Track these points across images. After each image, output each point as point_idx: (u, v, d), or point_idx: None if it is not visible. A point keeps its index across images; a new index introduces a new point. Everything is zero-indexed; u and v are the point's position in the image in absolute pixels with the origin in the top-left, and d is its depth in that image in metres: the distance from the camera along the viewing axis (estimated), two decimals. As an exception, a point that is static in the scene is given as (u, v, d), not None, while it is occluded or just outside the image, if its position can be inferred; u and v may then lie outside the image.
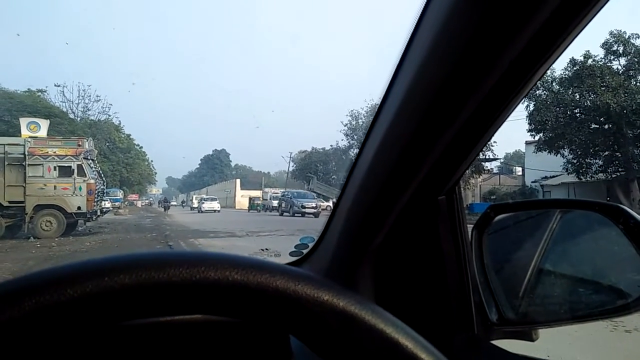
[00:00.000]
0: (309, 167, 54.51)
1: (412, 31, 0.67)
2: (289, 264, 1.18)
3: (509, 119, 0.76)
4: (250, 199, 48.44)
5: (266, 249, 9.88)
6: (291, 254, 1.48)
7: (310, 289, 0.42)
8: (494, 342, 0.93)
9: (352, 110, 52.52)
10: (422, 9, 0.64)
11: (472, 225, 0.96)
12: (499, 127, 0.75)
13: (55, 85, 41.19)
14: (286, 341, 0.72)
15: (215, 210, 38.82)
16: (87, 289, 0.37)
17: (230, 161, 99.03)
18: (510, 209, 1.00)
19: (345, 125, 51.57)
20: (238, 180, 67.15)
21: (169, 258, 0.41)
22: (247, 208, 47.73)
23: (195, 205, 46.70)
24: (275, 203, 41.12)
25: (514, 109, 0.72)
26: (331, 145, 55.01)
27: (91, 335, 0.60)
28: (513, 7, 0.52)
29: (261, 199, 46.03)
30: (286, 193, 33.43)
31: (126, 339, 0.62)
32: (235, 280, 0.40)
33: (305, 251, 1.20)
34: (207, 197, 48.88)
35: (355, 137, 47.99)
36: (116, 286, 0.38)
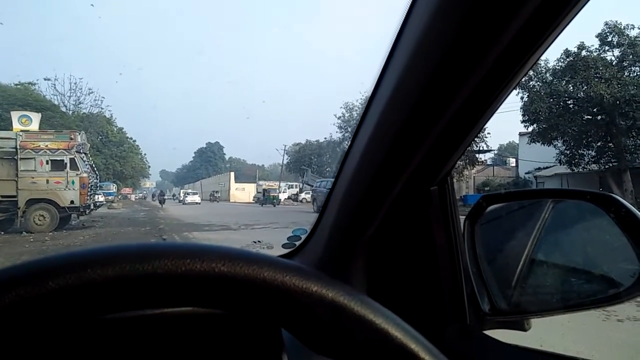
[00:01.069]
0: (303, 159, 54.46)
1: (402, 20, 0.67)
2: (281, 256, 1.18)
3: (502, 110, 0.75)
4: (264, 190, 42.39)
5: (258, 242, 9.86)
6: (284, 246, 1.48)
7: (298, 280, 0.41)
8: (487, 332, 0.93)
9: (346, 103, 52.53)
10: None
11: (465, 217, 0.96)
12: (491, 116, 0.75)
13: (45, 79, 40.78)
14: (277, 333, 0.72)
15: (196, 203, 44.08)
16: (69, 281, 0.37)
17: (224, 154, 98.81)
18: (502, 199, 1.00)
19: (339, 118, 51.54)
20: (232, 173, 67.06)
21: (154, 250, 0.40)
22: (252, 200, 44.97)
23: (181, 198, 48.96)
24: (270, 196, 40.97)
25: (506, 98, 0.71)
26: (325, 138, 54.99)
27: (77, 328, 0.59)
28: None
29: (279, 191, 42.01)
30: (322, 182, 27.71)
31: (114, 332, 0.62)
32: (222, 272, 0.40)
33: (297, 243, 1.19)
34: (190, 191, 54.07)
35: (349, 129, 47.90)
36: (99, 278, 0.37)
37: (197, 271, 0.39)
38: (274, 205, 36.38)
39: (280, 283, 0.41)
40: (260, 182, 58.55)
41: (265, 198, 39.35)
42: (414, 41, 0.64)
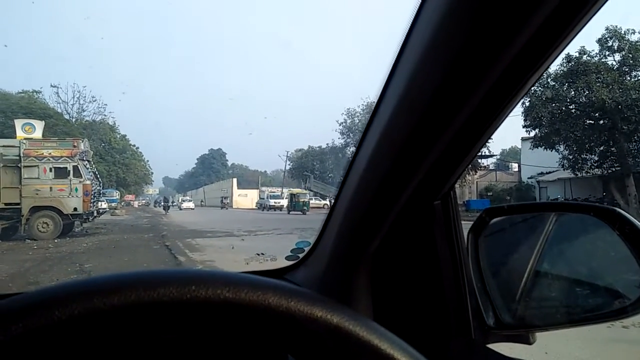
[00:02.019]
0: (306, 165, 54.46)
1: (407, 30, 0.66)
2: (285, 267, 1.17)
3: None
4: (292, 195, 36.50)
5: (262, 254, 9.75)
6: (287, 258, 1.47)
7: (303, 305, 0.41)
8: (491, 346, 0.92)
9: (348, 109, 52.49)
10: (418, 7, 0.63)
11: (468, 222, 0.96)
12: (495, 130, 0.75)
13: (51, 86, 40.97)
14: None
15: (191, 208, 47.92)
16: (75, 311, 0.37)
17: (227, 160, 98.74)
18: (505, 212, 1.00)
19: (340, 124, 51.55)
20: (235, 180, 67.06)
21: (159, 277, 0.40)
22: (255, 207, 44.04)
23: (177, 204, 51.41)
24: (272, 202, 40.83)
25: (511, 111, 0.71)
26: (327, 144, 54.97)
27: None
28: (510, 8, 0.51)
29: (308, 196, 36.96)
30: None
31: (122, 354, 0.61)
32: (227, 299, 0.40)
33: (301, 255, 1.19)
34: (186, 199, 59.34)
35: (351, 135, 47.96)
36: (105, 307, 0.38)
37: (202, 298, 0.39)
38: (304, 213, 31.45)
39: (285, 309, 0.41)
40: (263, 189, 58.55)
41: (294, 204, 34.41)
42: (419, 52, 0.63)
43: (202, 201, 64.83)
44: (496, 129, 0.74)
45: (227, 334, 0.42)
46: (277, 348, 0.45)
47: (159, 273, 0.41)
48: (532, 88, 22.17)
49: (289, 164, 59.82)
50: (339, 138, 53.09)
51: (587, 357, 3.62)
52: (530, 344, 0.93)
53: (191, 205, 51.51)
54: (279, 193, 48.15)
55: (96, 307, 0.38)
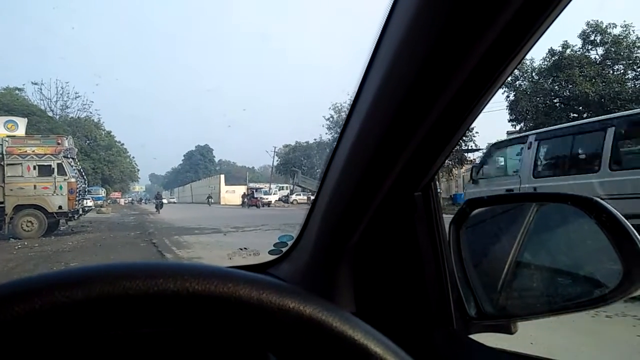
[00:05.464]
0: (294, 161, 54.51)
1: (384, 21, 0.66)
2: (268, 262, 1.17)
3: (490, 109, 0.75)
4: None
5: (245, 249, 9.66)
6: (270, 252, 1.47)
7: (275, 297, 0.40)
8: (473, 336, 0.93)
9: (335, 104, 52.67)
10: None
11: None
12: (473, 121, 0.74)
13: (32, 84, 40.46)
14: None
15: (165, 203, 52.39)
16: (36, 305, 0.36)
17: (214, 157, 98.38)
18: (486, 203, 1.00)
19: (327, 120, 51.71)
20: (222, 176, 66.86)
21: (125, 270, 0.39)
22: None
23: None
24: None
25: (489, 101, 0.71)
26: (315, 139, 55.15)
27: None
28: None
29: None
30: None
31: (90, 351, 0.60)
32: (196, 291, 0.39)
33: (284, 249, 1.18)
34: (162, 195, 67.74)
35: (338, 130, 48.03)
36: (67, 301, 0.36)
37: (170, 291, 0.38)
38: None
39: (256, 301, 0.40)
40: (251, 184, 58.45)
41: None
42: (396, 41, 0.63)
43: (209, 197, 64.08)
44: (474, 119, 0.74)
45: (201, 329, 0.41)
46: (257, 345, 0.44)
47: (126, 266, 0.39)
48: (517, 82, 22.45)
49: (277, 160, 59.86)
50: (326, 133, 53.28)
51: (571, 346, 3.67)
52: (511, 333, 0.93)
53: (165, 201, 59.50)
54: (267, 189, 48.16)
55: (58, 301, 0.36)
